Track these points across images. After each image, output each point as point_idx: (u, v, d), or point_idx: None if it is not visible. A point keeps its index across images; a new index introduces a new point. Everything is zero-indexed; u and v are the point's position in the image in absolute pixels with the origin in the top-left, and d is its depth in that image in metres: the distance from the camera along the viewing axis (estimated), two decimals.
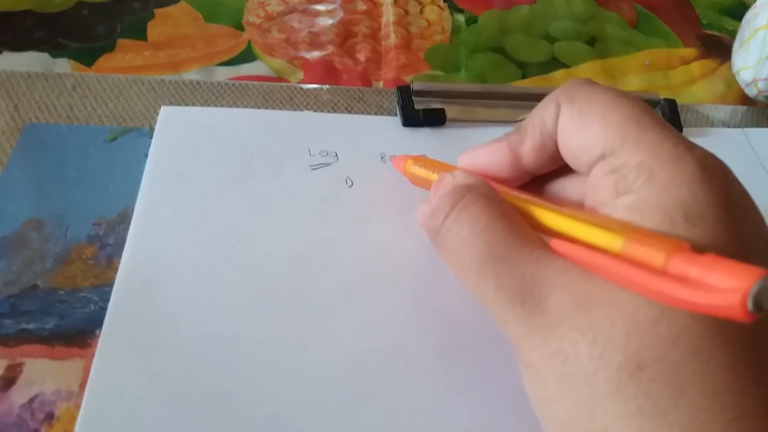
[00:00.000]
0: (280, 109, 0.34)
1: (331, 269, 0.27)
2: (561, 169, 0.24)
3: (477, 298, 0.21)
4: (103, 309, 0.24)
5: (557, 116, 0.22)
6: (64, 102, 0.32)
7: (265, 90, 0.35)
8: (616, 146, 0.20)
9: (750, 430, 0.16)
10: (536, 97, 0.35)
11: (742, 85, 0.41)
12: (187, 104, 0.33)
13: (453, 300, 0.26)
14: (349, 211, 0.29)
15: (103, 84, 0.33)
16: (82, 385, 0.23)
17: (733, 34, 0.43)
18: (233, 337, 0.24)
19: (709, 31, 0.46)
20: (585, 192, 0.22)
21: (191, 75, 0.36)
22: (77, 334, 0.24)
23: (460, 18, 0.44)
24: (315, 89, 0.35)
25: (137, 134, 0.31)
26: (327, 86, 0.36)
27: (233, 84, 0.35)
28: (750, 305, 0.14)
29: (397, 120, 0.34)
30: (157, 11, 0.39)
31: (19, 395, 0.23)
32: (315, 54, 0.39)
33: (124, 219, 0.27)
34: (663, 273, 0.16)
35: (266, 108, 0.34)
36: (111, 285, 0.25)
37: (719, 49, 0.45)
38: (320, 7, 0.42)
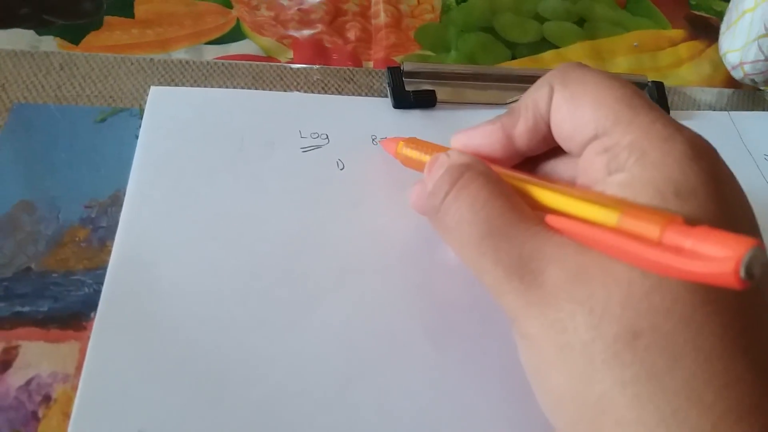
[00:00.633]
0: (269, 89, 0.34)
1: (322, 252, 0.27)
2: (552, 150, 0.24)
3: (475, 273, 0.22)
4: (97, 292, 0.24)
5: (550, 99, 0.22)
6: (51, 81, 0.32)
7: (254, 70, 0.34)
8: (609, 127, 0.20)
9: (739, 395, 0.17)
10: (526, 79, 0.36)
11: (729, 68, 0.41)
12: (176, 84, 0.33)
13: (444, 282, 0.27)
14: (341, 193, 0.29)
15: (91, 63, 0.33)
16: (79, 368, 0.23)
17: (721, 16, 0.43)
18: (227, 318, 0.25)
19: (697, 12, 0.47)
20: (576, 172, 0.23)
21: (180, 54, 0.36)
22: (72, 316, 0.24)
23: None
24: (305, 69, 0.35)
25: (127, 115, 0.31)
26: (317, 66, 0.36)
27: (222, 63, 0.34)
28: (742, 273, 0.15)
29: (387, 102, 0.34)
30: None
31: (15, 378, 0.23)
32: (304, 32, 0.39)
33: (115, 201, 0.27)
34: (658, 245, 0.17)
35: (256, 88, 0.33)
36: (104, 268, 0.25)
37: (707, 30, 0.45)
38: None
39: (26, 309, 0.24)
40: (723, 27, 0.42)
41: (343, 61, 0.38)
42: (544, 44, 0.42)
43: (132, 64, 0.33)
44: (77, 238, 0.26)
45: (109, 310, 0.24)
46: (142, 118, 0.30)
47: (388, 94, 0.34)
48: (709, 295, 0.17)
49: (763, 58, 0.38)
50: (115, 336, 0.23)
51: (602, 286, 0.18)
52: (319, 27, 0.39)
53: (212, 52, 0.36)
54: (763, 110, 0.40)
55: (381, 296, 0.26)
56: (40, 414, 0.22)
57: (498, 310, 0.21)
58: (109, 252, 0.26)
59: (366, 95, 0.35)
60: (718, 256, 0.15)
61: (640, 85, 0.37)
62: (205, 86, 0.33)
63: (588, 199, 0.20)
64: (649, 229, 0.17)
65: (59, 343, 0.24)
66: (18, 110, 0.30)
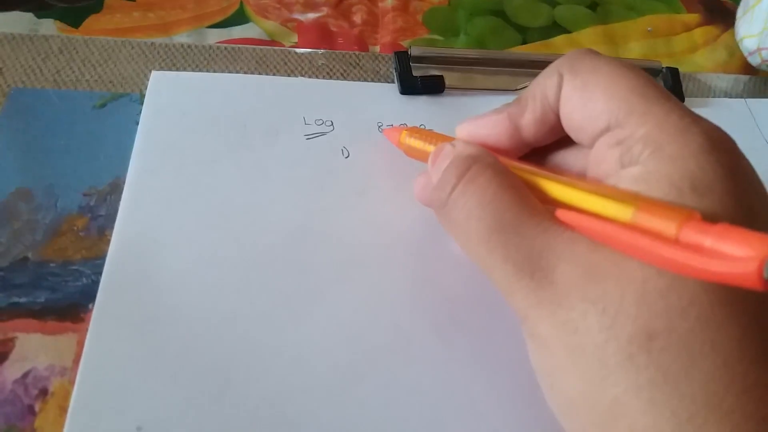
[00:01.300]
0: (273, 74, 0.33)
1: (327, 242, 0.27)
2: (561, 141, 0.24)
3: (484, 270, 0.21)
4: (96, 282, 0.24)
5: (559, 87, 0.22)
6: (50, 65, 0.31)
7: (258, 54, 0.34)
8: (622, 118, 0.19)
9: (760, 400, 0.16)
10: (537, 65, 0.35)
11: (746, 54, 0.40)
12: (178, 69, 0.32)
13: (450, 273, 0.26)
14: (346, 182, 0.29)
15: (91, 47, 0.32)
16: (76, 361, 0.22)
17: (737, 0, 0.42)
18: (228, 310, 0.24)
19: None
20: (587, 164, 0.22)
21: (182, 38, 0.35)
22: (70, 308, 0.24)
23: None
24: (310, 54, 0.34)
25: (127, 100, 0.30)
26: (322, 51, 0.35)
27: (225, 47, 0.34)
28: (766, 274, 0.14)
29: (394, 87, 0.33)
30: None
31: (11, 371, 0.22)
32: (309, 16, 0.38)
33: (115, 189, 0.27)
34: (675, 242, 0.16)
35: (260, 73, 0.33)
36: (103, 258, 0.25)
37: (723, 15, 0.44)
38: None
39: (23, 300, 0.24)
40: (740, 11, 0.41)
41: (349, 46, 0.37)
42: (555, 28, 0.41)
43: (133, 48, 0.32)
44: (75, 227, 0.26)
45: (107, 301, 0.24)
46: (142, 104, 0.30)
47: (395, 80, 0.33)
48: (728, 296, 0.17)
49: None
50: (114, 328, 0.23)
51: (616, 285, 0.17)
52: (325, 10, 0.38)
53: (215, 36, 0.35)
54: None
55: (387, 288, 0.26)
56: (37, 408, 0.22)
57: (505, 302, 0.21)
58: (108, 241, 0.25)
59: (372, 81, 0.34)
60: (739, 255, 0.15)
61: (654, 71, 0.36)
62: (207, 71, 0.32)
63: (600, 193, 0.19)
64: (666, 225, 0.16)
65: (56, 335, 0.23)
66: (16, 95, 0.29)
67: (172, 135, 0.29)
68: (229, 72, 0.32)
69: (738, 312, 0.17)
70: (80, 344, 0.23)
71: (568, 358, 0.18)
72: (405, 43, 0.38)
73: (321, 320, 0.24)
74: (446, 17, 0.40)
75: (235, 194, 0.27)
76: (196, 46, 0.33)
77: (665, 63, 0.37)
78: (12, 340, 0.23)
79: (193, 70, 0.32)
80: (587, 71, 0.21)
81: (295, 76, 0.33)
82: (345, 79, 0.34)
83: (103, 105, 0.30)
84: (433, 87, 0.33)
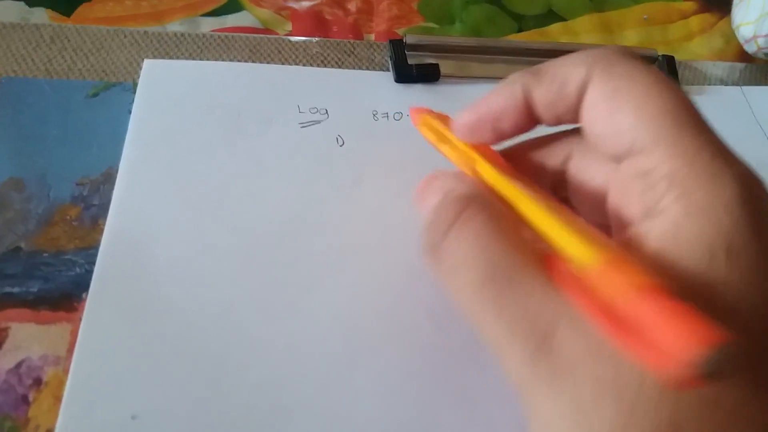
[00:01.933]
0: (267, 62, 0.33)
1: (321, 230, 0.27)
2: (588, 146, 0.21)
3: (475, 326, 0.19)
4: (89, 272, 0.24)
5: (584, 84, 0.19)
6: (42, 55, 0.31)
7: (252, 42, 0.33)
8: (647, 145, 0.18)
9: None
10: (533, 53, 0.35)
11: (742, 41, 0.40)
12: (171, 57, 0.32)
13: None
14: (341, 171, 0.28)
15: (83, 36, 0.32)
16: (70, 350, 0.22)
17: None
18: (223, 299, 0.24)
19: None
20: (608, 182, 0.20)
21: (175, 26, 0.34)
22: (63, 297, 0.24)
23: None
24: (304, 42, 0.34)
25: (120, 89, 0.30)
26: (316, 39, 0.34)
27: (219, 36, 0.33)
28: (696, 371, 0.13)
29: (389, 76, 0.33)
30: None
31: (5, 361, 0.22)
32: (304, 4, 0.38)
33: (108, 179, 0.27)
34: (622, 309, 0.15)
35: (253, 61, 0.32)
36: (96, 247, 0.24)
37: (719, 2, 0.43)
38: None
39: (16, 290, 0.24)
40: None
41: (344, 34, 0.37)
42: (551, 16, 0.40)
43: (125, 36, 0.32)
44: (68, 217, 0.26)
45: (101, 290, 0.23)
46: (135, 93, 0.29)
47: (390, 68, 0.33)
48: (759, 380, 0.15)
49: None
50: (108, 318, 0.23)
51: (631, 365, 0.15)
52: None
53: (208, 25, 0.35)
54: None
55: (382, 277, 0.26)
56: (31, 398, 0.22)
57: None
58: (102, 231, 0.25)
59: (367, 69, 0.34)
60: (670, 346, 0.13)
61: (650, 59, 0.36)
62: (200, 59, 0.32)
63: (575, 231, 0.17)
64: (621, 290, 0.15)
65: (50, 324, 0.23)
66: (7, 84, 0.29)
67: (165, 124, 0.28)
68: (223, 60, 0.32)
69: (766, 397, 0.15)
70: (74, 334, 0.23)
71: None
72: (400, 31, 0.37)
73: (315, 308, 0.24)
74: (441, 5, 0.40)
75: (228, 183, 0.27)
76: (189, 35, 0.33)
77: (661, 51, 0.36)
78: (5, 330, 0.23)
79: (186, 59, 0.32)
80: (621, 77, 0.19)
81: (290, 64, 0.33)
82: (340, 67, 0.33)
83: (96, 94, 0.29)
84: (428, 75, 0.33)
